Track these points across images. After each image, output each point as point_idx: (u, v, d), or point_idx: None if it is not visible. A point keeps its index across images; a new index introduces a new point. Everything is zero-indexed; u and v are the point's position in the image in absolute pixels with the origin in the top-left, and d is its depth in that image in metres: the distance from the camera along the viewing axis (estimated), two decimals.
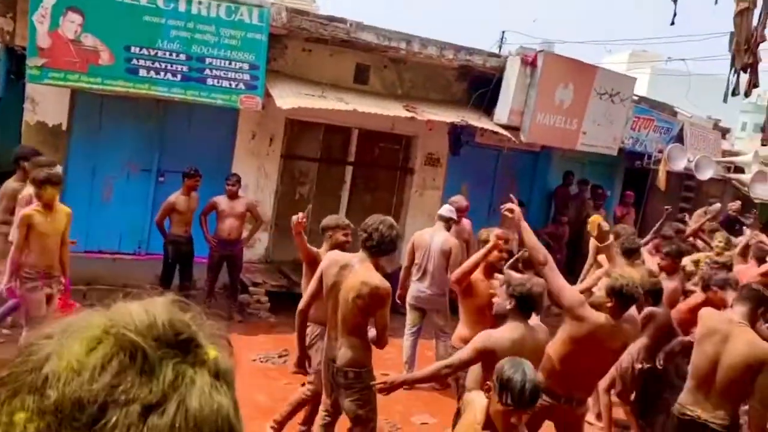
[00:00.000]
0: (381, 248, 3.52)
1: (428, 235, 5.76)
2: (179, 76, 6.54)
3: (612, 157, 9.84)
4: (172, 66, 6.49)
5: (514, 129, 8.24)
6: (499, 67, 8.22)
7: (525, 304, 3.37)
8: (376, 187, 8.82)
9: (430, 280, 5.67)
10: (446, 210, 5.91)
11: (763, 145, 7.54)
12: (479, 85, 8.45)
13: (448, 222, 5.86)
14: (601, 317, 3.59)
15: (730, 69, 6.52)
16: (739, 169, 10.36)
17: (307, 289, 3.80)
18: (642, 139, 10.02)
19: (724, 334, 3.55)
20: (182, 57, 6.53)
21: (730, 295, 4.19)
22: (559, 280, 3.68)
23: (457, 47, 8.05)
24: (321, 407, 3.92)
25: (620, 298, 3.55)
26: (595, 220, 5.27)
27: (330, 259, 3.71)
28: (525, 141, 8.33)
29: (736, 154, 11.50)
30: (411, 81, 8.42)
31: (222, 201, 6.72)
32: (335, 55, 7.85)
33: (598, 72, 8.88)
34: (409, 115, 7.40)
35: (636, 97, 9.77)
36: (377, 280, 3.47)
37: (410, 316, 5.80)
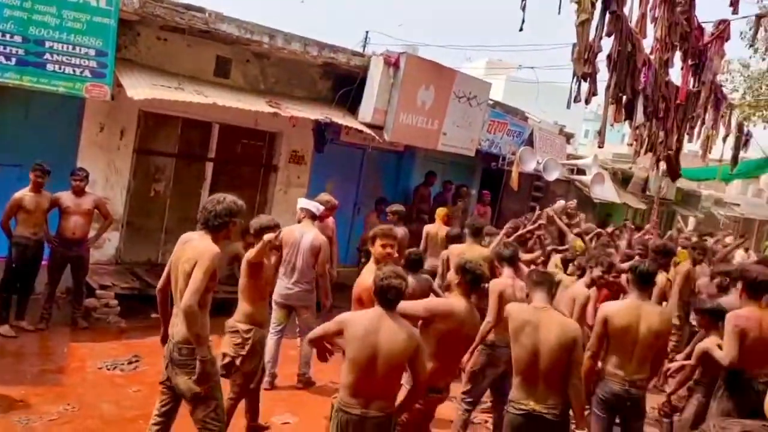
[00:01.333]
0: (208, 223, 3.54)
1: (297, 232, 5.65)
2: (14, 60, 5.92)
3: (470, 158, 10.31)
4: (5, 48, 5.87)
5: (378, 128, 8.36)
6: (363, 66, 8.31)
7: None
8: (239, 184, 8.53)
9: (297, 277, 5.57)
10: (313, 206, 5.85)
11: (599, 147, 8.21)
12: (344, 83, 8.48)
13: (314, 218, 5.81)
14: (458, 303, 3.82)
15: (572, 78, 6.95)
16: (581, 171, 11.27)
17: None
18: (497, 142, 10.58)
19: (535, 324, 3.69)
20: (18, 39, 5.92)
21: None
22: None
23: (321, 44, 8.02)
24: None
25: (466, 274, 3.80)
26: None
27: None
28: (388, 140, 8.48)
29: (579, 157, 12.52)
30: (275, 76, 8.27)
31: (66, 197, 6.17)
32: (194, 46, 7.51)
33: (457, 75, 9.25)
34: (272, 110, 7.25)
35: (491, 102, 10.30)
36: (204, 245, 3.47)
37: (276, 315, 5.67)
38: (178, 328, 3.50)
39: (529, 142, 11.08)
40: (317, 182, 8.71)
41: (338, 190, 8.93)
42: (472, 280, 3.85)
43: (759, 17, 8.30)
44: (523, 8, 4.97)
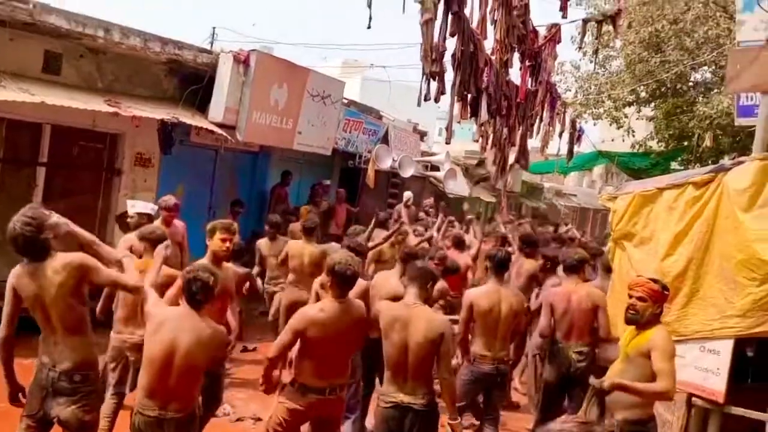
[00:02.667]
0: (33, 250, 3.24)
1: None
2: None
3: (327, 156, 10.29)
4: None
5: (230, 128, 8.08)
6: (212, 64, 7.98)
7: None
8: (77, 190, 7.87)
9: None
10: (149, 207, 5.50)
11: (447, 143, 8.54)
12: (192, 81, 8.09)
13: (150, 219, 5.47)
14: (329, 307, 3.74)
15: (422, 77, 7.10)
16: (435, 168, 11.68)
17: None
18: (353, 140, 10.67)
19: (405, 320, 3.75)
20: None
21: None
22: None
23: (164, 40, 7.58)
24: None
25: (335, 275, 3.72)
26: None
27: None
28: (242, 140, 8.22)
29: (433, 154, 12.98)
30: (114, 74, 7.69)
31: None
32: (17, 39, 6.77)
33: (311, 74, 9.18)
34: (112, 110, 6.73)
35: (346, 101, 10.35)
36: (67, 259, 3.26)
37: None
38: (65, 355, 3.26)
39: (385, 140, 11.30)
40: (167, 186, 8.22)
41: (190, 193, 8.54)
42: (342, 281, 3.75)
43: (585, 21, 9.05)
44: (369, 5, 5.01)
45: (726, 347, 4.50)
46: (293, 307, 5.94)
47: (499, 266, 4.98)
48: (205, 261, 4.22)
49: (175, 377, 3.19)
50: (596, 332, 5.24)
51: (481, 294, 4.89)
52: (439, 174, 11.19)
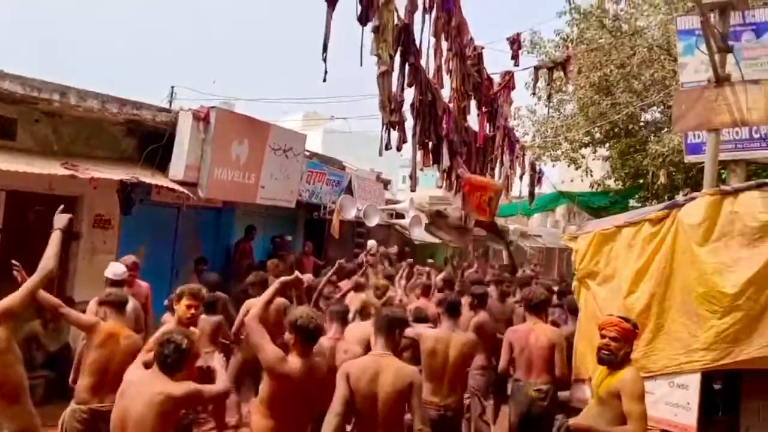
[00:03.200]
0: None
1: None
2: None
3: (291, 209, 10.26)
4: None
5: (192, 185, 8.01)
6: (170, 122, 7.96)
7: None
8: (35, 255, 7.60)
9: None
10: (110, 272, 5.37)
11: (411, 191, 8.62)
12: (151, 140, 8.04)
13: (118, 284, 5.34)
14: (294, 363, 3.57)
15: (382, 127, 7.21)
16: (401, 216, 11.74)
17: None
18: (317, 192, 10.68)
19: (374, 372, 3.67)
20: None
21: None
22: (260, 337, 3.61)
23: (122, 101, 7.56)
24: None
25: (298, 331, 3.61)
26: None
27: None
28: (203, 197, 8.16)
29: (397, 202, 13.06)
30: (70, 136, 7.61)
31: None
32: None
33: (272, 128, 9.23)
34: (68, 173, 6.63)
35: (308, 153, 10.41)
36: None
37: None
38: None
39: (349, 190, 11.34)
40: (127, 247, 8.05)
41: (152, 253, 8.39)
42: (306, 337, 3.63)
43: (537, 69, 9.37)
44: (324, 59, 5.10)
45: (694, 381, 4.54)
46: (247, 363, 5.84)
47: (450, 309, 5.02)
48: (171, 325, 4.13)
49: None
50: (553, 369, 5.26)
51: (429, 335, 4.85)
52: (404, 221, 11.24)
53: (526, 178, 12.25)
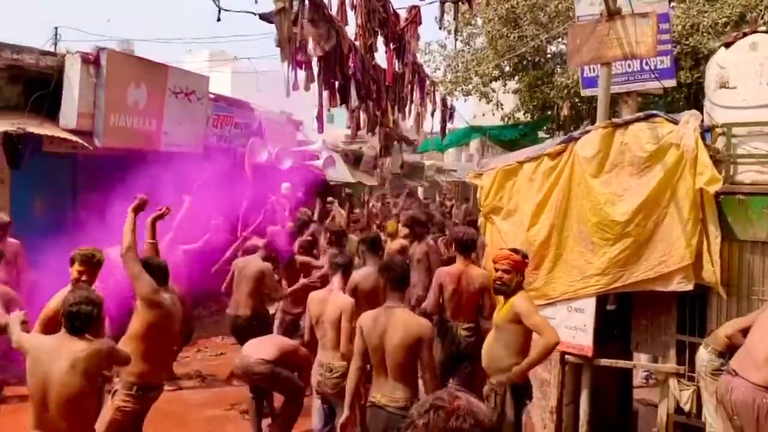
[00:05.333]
0: None
1: None
2: None
3: (199, 154, 9.90)
4: None
5: (87, 133, 7.56)
6: (57, 66, 7.40)
7: None
8: None
9: None
10: None
11: (319, 133, 8.52)
12: (36, 87, 7.47)
13: None
14: (169, 298, 4.06)
15: (287, 67, 6.96)
16: (314, 156, 11.60)
17: None
18: (226, 136, 10.34)
19: (383, 324, 3.76)
20: None
21: None
22: (136, 267, 3.92)
23: None
24: None
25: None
26: None
27: None
28: (100, 146, 7.73)
29: (310, 143, 12.87)
30: None
31: None
32: None
33: (170, 71, 8.77)
34: None
35: (213, 96, 10.00)
36: None
37: None
38: None
39: (259, 132, 11.04)
40: (21, 202, 7.59)
41: (50, 206, 7.94)
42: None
43: (442, 2, 9.24)
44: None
45: (590, 305, 4.83)
46: None
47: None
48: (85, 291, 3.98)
49: (55, 412, 3.09)
50: (481, 310, 5.41)
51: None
52: (318, 163, 11.12)
53: (438, 115, 12.28)
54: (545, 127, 16.00)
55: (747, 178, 4.44)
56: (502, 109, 16.29)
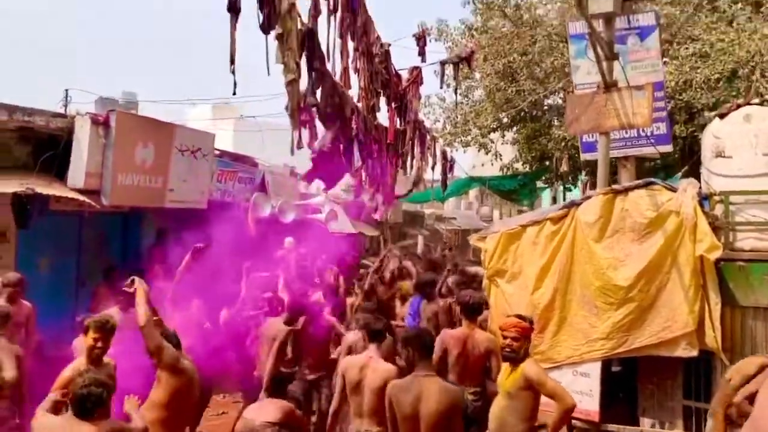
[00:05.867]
0: None
1: None
2: None
3: (203, 210, 10.01)
4: None
5: (94, 192, 7.67)
6: (67, 128, 7.56)
7: None
8: None
9: None
10: None
11: (325, 191, 8.66)
12: (46, 147, 7.60)
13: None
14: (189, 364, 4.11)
15: (292, 127, 7.13)
16: (317, 210, 11.71)
17: None
18: (230, 190, 10.47)
19: (417, 393, 3.86)
20: None
21: None
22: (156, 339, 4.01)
23: (11, 107, 7.10)
24: None
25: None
26: None
27: None
28: (107, 204, 7.82)
29: (312, 196, 13.00)
30: None
31: None
32: None
33: (177, 130, 8.94)
34: None
35: (218, 152, 10.16)
36: None
37: None
38: None
39: (262, 186, 11.18)
40: (27, 260, 7.64)
41: (55, 265, 8.00)
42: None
43: (443, 64, 9.53)
44: (233, 72, 4.97)
45: (595, 369, 4.86)
46: None
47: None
48: (82, 360, 4.06)
49: None
50: (487, 372, 5.36)
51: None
52: (321, 216, 11.23)
53: (438, 167, 12.47)
54: (543, 178, 16.22)
55: (746, 245, 4.54)
56: (500, 159, 16.53)
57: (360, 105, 7.91)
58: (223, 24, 5.10)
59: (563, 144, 13.45)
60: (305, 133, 7.74)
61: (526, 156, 16.11)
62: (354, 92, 7.90)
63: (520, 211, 18.93)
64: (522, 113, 15.09)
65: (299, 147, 8.17)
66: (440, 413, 3.79)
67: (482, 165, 18.76)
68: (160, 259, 9.73)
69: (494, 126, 15.91)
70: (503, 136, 16.59)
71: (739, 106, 4.64)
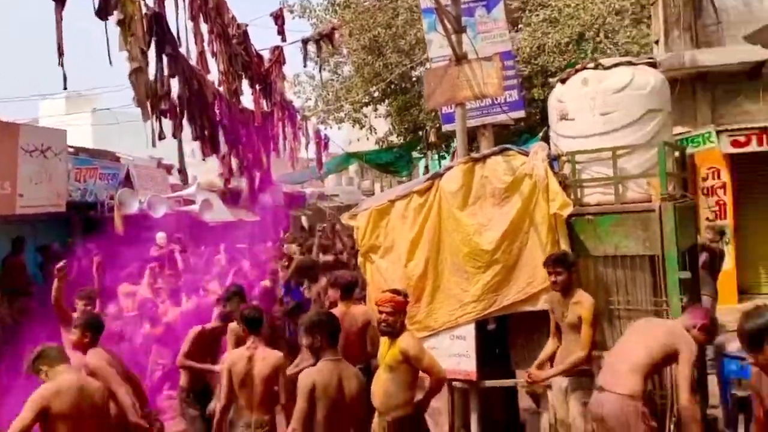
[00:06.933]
0: None
1: None
2: None
3: (63, 212, 9.33)
4: None
5: None
6: None
7: None
8: None
9: None
10: None
11: (184, 184, 8.35)
12: None
13: None
14: None
15: (150, 119, 6.80)
16: (190, 201, 11.28)
17: None
18: (91, 189, 9.83)
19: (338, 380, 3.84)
20: None
21: None
22: None
23: None
24: None
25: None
26: None
27: None
28: None
29: (184, 187, 12.51)
30: None
31: None
32: None
33: (22, 129, 8.24)
34: None
35: (72, 149, 9.48)
36: None
37: None
38: None
39: (128, 181, 10.59)
40: None
41: None
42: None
43: (305, 42, 9.42)
44: (62, 65, 4.61)
45: (470, 332, 5.07)
46: None
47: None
48: None
49: None
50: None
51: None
52: (195, 207, 10.82)
53: (313, 146, 12.41)
54: (418, 148, 16.59)
55: (593, 199, 4.89)
56: (375, 133, 16.71)
57: (222, 89, 7.67)
58: (72, 11, 4.73)
59: (433, 113, 13.79)
60: (167, 123, 7.39)
61: (399, 128, 16.38)
62: (214, 77, 7.66)
63: (400, 182, 19.30)
64: (392, 86, 15.28)
65: (161, 138, 7.80)
66: (361, 395, 3.84)
67: (358, 140, 18.94)
68: (19, 269, 9.01)
69: (366, 101, 16.02)
70: (376, 110, 16.75)
71: (577, 71, 4.95)
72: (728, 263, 9.34)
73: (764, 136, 9.26)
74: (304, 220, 19.14)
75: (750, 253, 10.47)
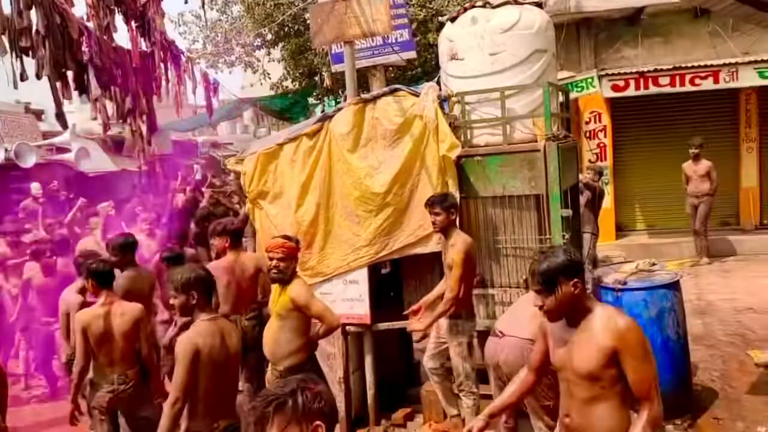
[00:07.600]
0: None
1: None
2: None
3: None
4: None
5: None
6: None
7: None
8: None
9: None
10: None
11: (63, 128, 7.68)
12: None
13: None
14: None
15: (10, 56, 6.13)
16: (65, 150, 10.42)
17: None
18: None
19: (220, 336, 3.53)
20: None
21: None
22: None
23: None
24: None
25: None
26: None
27: None
28: None
29: (57, 134, 11.51)
30: None
31: None
32: None
33: None
34: None
35: None
36: None
37: None
38: None
39: None
40: None
41: None
42: None
43: None
44: None
45: (363, 276, 5.04)
46: None
47: None
48: None
49: None
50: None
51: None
52: (70, 155, 10.00)
53: (201, 91, 11.72)
54: (314, 94, 16.17)
55: (482, 140, 4.91)
56: (269, 78, 16.09)
57: (90, 25, 6.97)
58: None
59: (328, 59, 13.39)
60: (30, 63, 6.66)
61: (294, 73, 15.84)
62: (81, 11, 6.94)
63: None
64: (285, 28, 14.66)
65: (22, 79, 7.07)
66: (239, 350, 3.60)
67: (251, 86, 18.17)
68: None
69: (258, 43, 15.32)
70: (269, 54, 16.08)
71: (466, 9, 4.87)
72: (607, 202, 9.91)
73: (641, 81, 9.71)
74: (197, 168, 18.31)
75: (627, 192, 11.15)
